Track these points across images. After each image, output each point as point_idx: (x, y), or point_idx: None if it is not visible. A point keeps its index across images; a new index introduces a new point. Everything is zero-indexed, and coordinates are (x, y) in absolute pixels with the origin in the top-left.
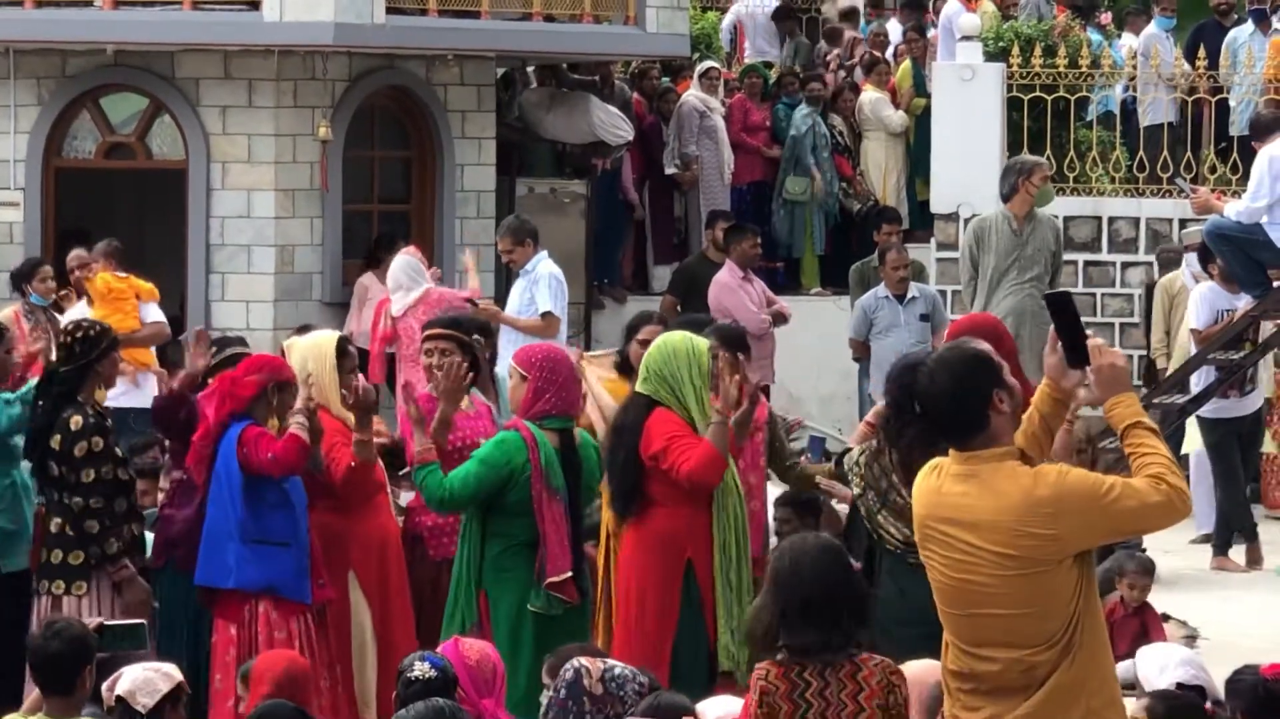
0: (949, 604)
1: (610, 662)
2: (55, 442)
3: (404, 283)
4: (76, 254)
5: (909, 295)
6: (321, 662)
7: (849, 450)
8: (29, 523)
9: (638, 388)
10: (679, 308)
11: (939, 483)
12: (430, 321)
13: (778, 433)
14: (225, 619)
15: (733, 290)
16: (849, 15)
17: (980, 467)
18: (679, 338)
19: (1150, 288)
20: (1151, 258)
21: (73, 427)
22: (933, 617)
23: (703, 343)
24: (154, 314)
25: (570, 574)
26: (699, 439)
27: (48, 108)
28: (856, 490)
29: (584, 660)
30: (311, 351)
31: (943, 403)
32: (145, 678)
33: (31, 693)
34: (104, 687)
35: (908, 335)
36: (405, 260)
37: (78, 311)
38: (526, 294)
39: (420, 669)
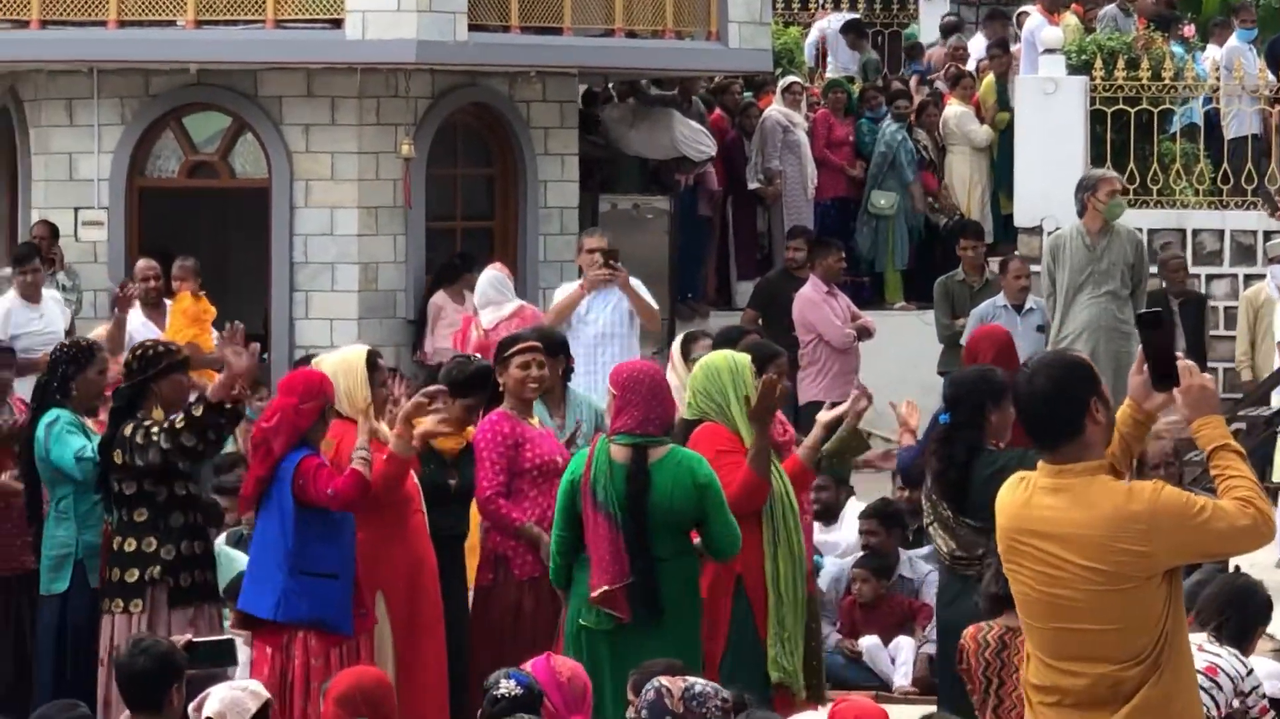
0: (1035, 617)
1: (691, 679)
2: (116, 456)
3: (494, 297)
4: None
5: (1027, 306)
6: None
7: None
8: None
9: (684, 414)
10: (760, 322)
11: (1027, 495)
12: (519, 335)
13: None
14: (262, 641)
15: (817, 305)
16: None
17: (1072, 480)
18: (719, 356)
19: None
20: (1237, 270)
21: (126, 433)
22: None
23: (744, 358)
24: (217, 337)
25: (611, 588)
26: (744, 460)
27: (131, 127)
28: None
29: (664, 680)
30: (342, 366)
31: (1039, 405)
32: (234, 698)
33: (123, 713)
34: (190, 708)
35: (1025, 345)
36: (493, 275)
37: (131, 318)
38: (609, 303)
39: (506, 687)
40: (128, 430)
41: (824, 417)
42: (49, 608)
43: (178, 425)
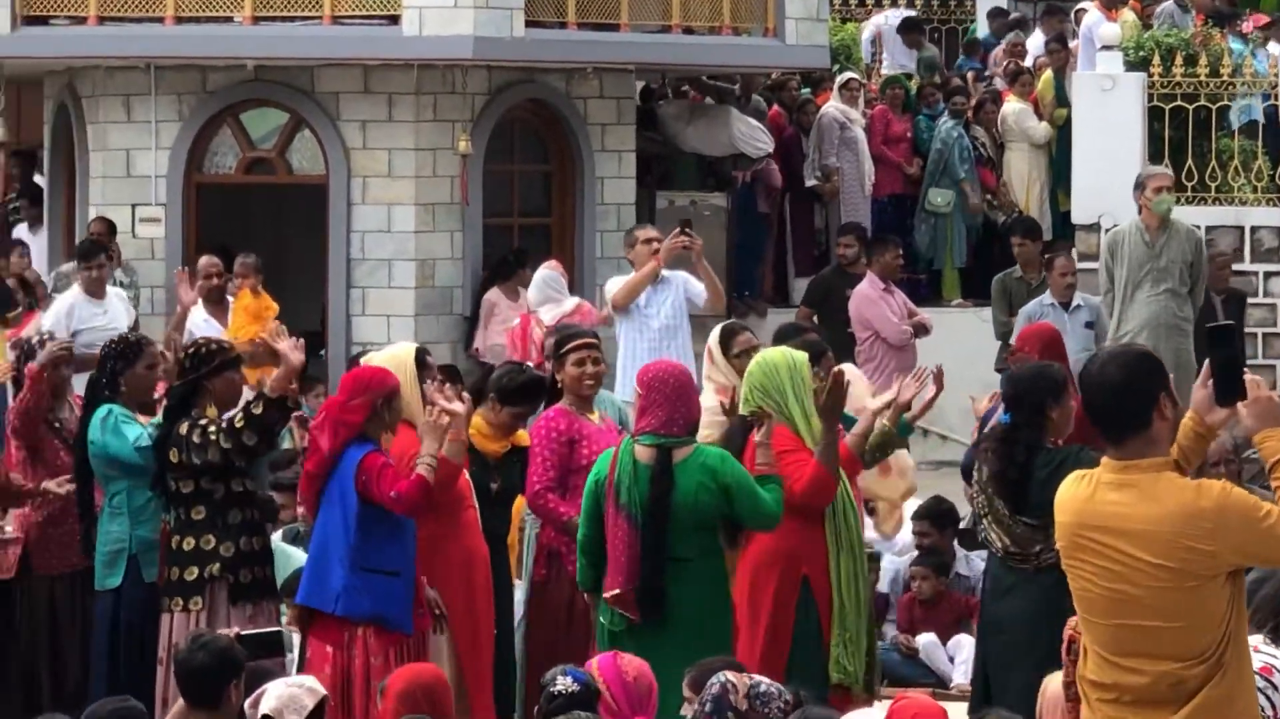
0: (1097, 613)
1: (756, 677)
2: (173, 455)
3: (552, 294)
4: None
5: (1074, 303)
6: None
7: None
8: None
9: (741, 410)
10: (814, 319)
11: (1091, 490)
12: (576, 331)
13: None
14: (321, 639)
15: (874, 302)
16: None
17: (1139, 476)
18: (777, 353)
19: None
20: None
21: (182, 431)
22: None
23: (801, 355)
24: None
25: (622, 591)
26: (809, 456)
27: (188, 123)
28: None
29: (730, 675)
30: (390, 364)
31: (1109, 396)
32: (290, 694)
33: (175, 705)
34: (247, 704)
35: (1073, 343)
36: (548, 274)
37: (194, 315)
38: (666, 296)
39: (563, 683)
40: (183, 429)
41: (874, 403)
42: (103, 603)
43: (238, 424)
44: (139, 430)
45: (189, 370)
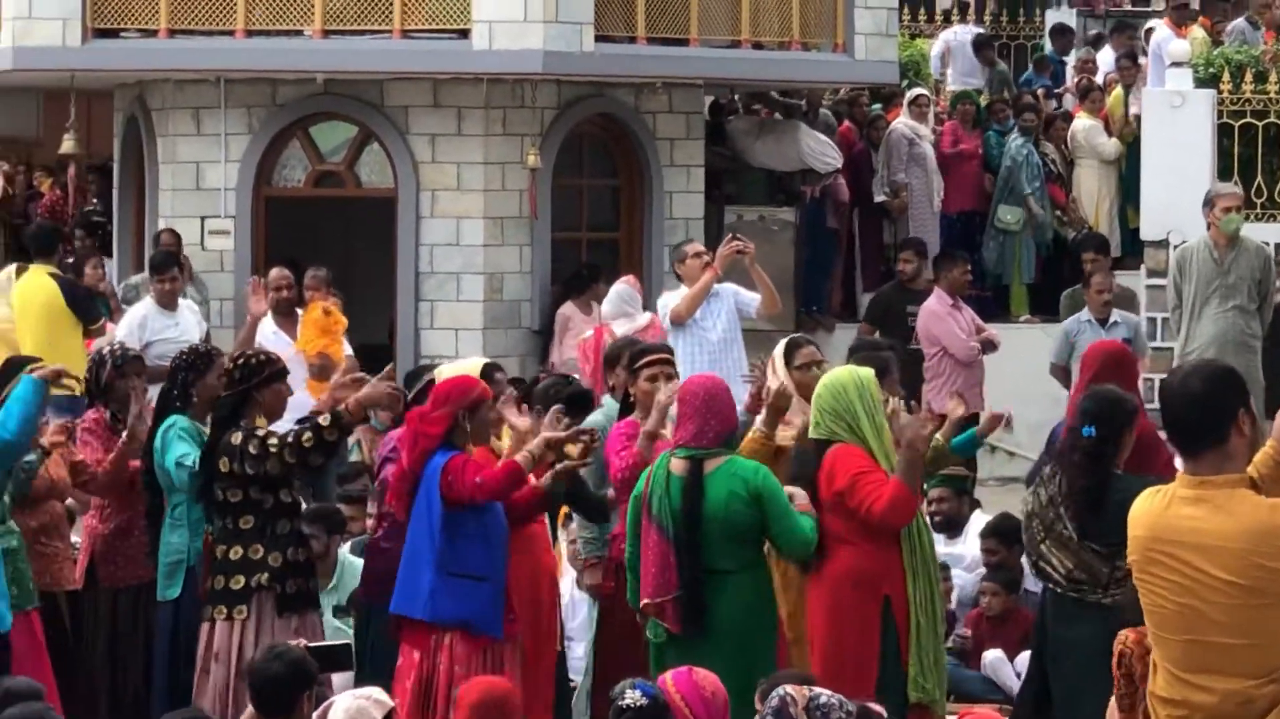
0: (1167, 629)
1: (817, 690)
2: (223, 464)
3: (626, 309)
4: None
5: (1111, 320)
6: None
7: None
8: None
9: (811, 434)
10: (876, 336)
11: (1165, 504)
12: (650, 347)
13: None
14: (410, 645)
15: (942, 318)
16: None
17: (1214, 492)
18: (844, 373)
19: None
20: None
21: (235, 441)
22: (1107, 651)
23: (867, 372)
24: (347, 348)
25: (653, 601)
26: (885, 475)
27: (258, 136)
28: (1024, 520)
29: (790, 689)
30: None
31: (1190, 408)
32: (359, 707)
33: (245, 715)
34: (315, 716)
35: None
36: (623, 289)
37: (263, 327)
38: (720, 308)
39: (632, 697)
40: (236, 439)
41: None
42: (164, 614)
43: (306, 442)
44: (186, 449)
45: (239, 381)
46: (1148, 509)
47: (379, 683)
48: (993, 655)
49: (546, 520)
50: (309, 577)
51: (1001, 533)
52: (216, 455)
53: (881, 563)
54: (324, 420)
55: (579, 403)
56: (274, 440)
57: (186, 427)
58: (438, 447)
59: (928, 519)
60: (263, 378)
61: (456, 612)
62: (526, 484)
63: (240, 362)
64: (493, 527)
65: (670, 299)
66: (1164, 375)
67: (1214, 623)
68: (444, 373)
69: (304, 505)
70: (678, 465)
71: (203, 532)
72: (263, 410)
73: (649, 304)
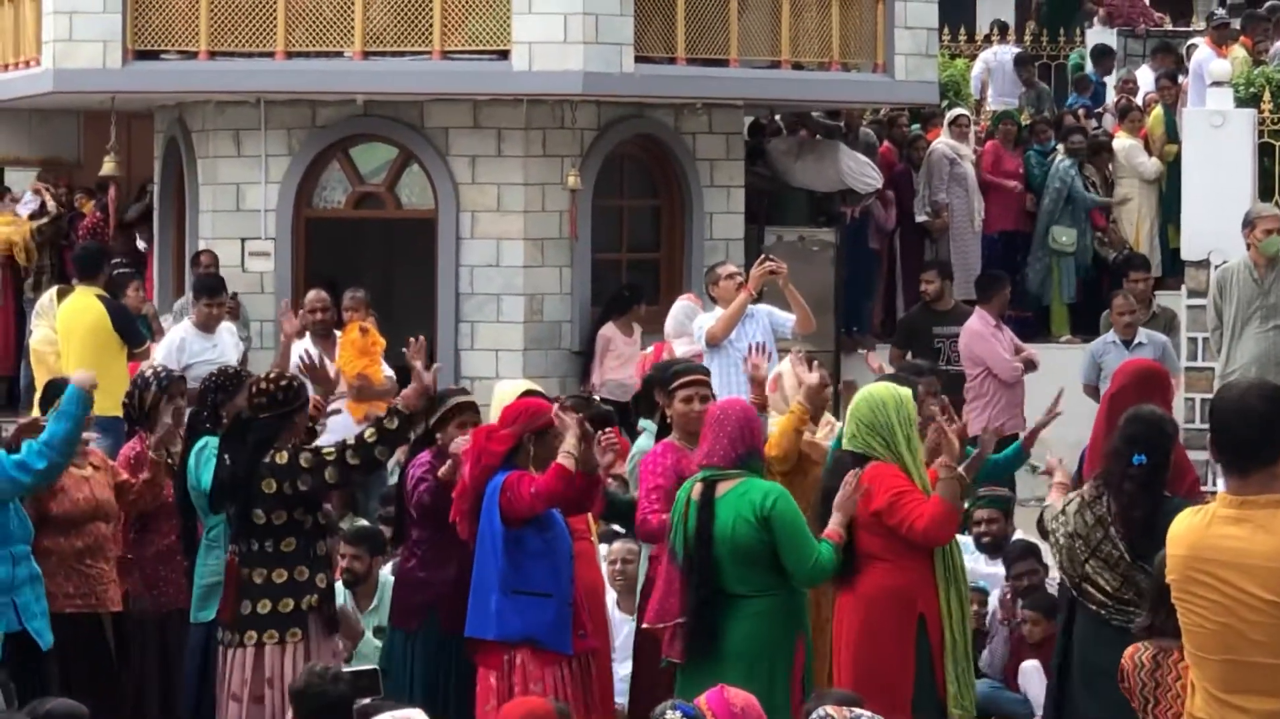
0: (1206, 649)
1: (858, 710)
2: (267, 485)
3: (688, 328)
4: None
5: (1136, 341)
6: (578, 713)
7: (1048, 507)
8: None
9: (845, 444)
10: (908, 358)
11: (1206, 523)
12: (686, 367)
13: None
14: (486, 668)
15: (985, 338)
16: (1102, 55)
17: (1257, 511)
18: (883, 389)
19: None
20: None
21: (280, 461)
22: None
23: (905, 391)
24: (386, 369)
25: (651, 625)
26: (923, 494)
27: (298, 158)
28: (1061, 541)
29: (830, 709)
30: (498, 400)
31: (1248, 427)
32: None
33: None
34: None
35: None
36: (687, 305)
37: (301, 349)
38: (754, 329)
39: (672, 717)
40: (282, 459)
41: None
42: (196, 636)
43: (369, 438)
44: None
45: (281, 404)
46: (1188, 528)
47: (436, 709)
48: (1029, 665)
49: (595, 539)
50: (335, 598)
51: (1040, 554)
52: (258, 477)
53: (917, 580)
54: (383, 414)
55: (600, 424)
56: (329, 450)
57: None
58: (500, 465)
59: (972, 539)
60: (301, 402)
61: (523, 628)
62: (578, 484)
63: (283, 384)
64: (556, 543)
65: (705, 320)
66: (1205, 395)
67: (1254, 643)
68: (498, 392)
69: (345, 525)
70: (696, 488)
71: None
72: (296, 434)
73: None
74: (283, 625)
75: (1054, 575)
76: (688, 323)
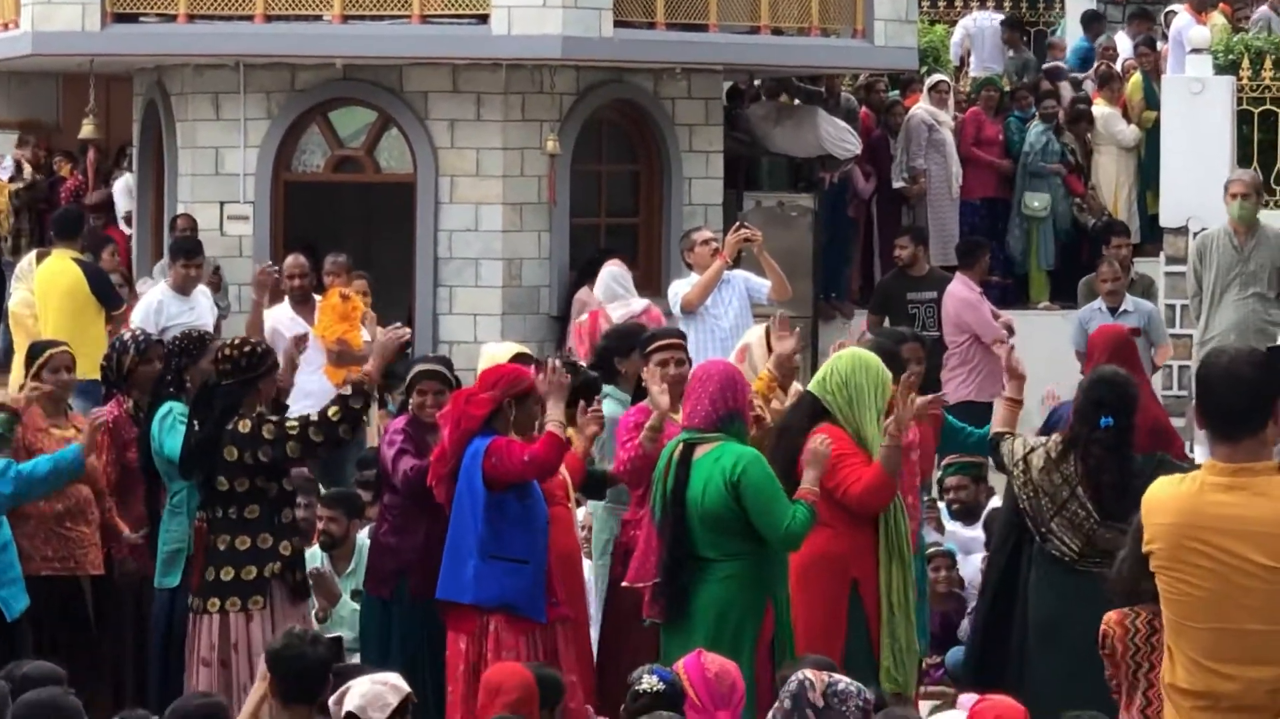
0: (1194, 618)
1: (836, 676)
2: (229, 453)
3: (619, 293)
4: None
5: (1121, 308)
6: None
7: (1005, 437)
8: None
9: (812, 387)
10: (884, 325)
11: (1197, 491)
12: (663, 331)
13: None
14: (457, 632)
15: (974, 306)
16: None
17: (1253, 479)
18: (872, 358)
19: None
20: None
21: (243, 429)
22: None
23: (889, 375)
24: (366, 334)
25: (630, 584)
26: (866, 460)
27: (277, 121)
28: (1026, 494)
29: (809, 673)
30: (488, 361)
31: (1240, 394)
32: (375, 692)
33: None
34: (331, 701)
35: None
36: (616, 271)
37: (279, 313)
38: (731, 295)
39: (649, 682)
40: (245, 427)
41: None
42: (159, 602)
43: (333, 416)
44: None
45: (245, 369)
46: (1175, 495)
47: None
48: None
49: (572, 504)
50: (303, 565)
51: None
52: (220, 444)
53: (852, 546)
54: (346, 391)
55: (588, 391)
56: (291, 423)
57: (184, 411)
58: (479, 429)
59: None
60: (266, 368)
61: (500, 594)
62: (566, 453)
63: (246, 350)
64: (534, 510)
65: (681, 287)
66: (1183, 362)
67: (1247, 609)
68: (485, 355)
69: (322, 490)
70: (677, 449)
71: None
72: (261, 400)
73: (664, 289)
74: (245, 593)
75: (995, 502)
76: (617, 287)
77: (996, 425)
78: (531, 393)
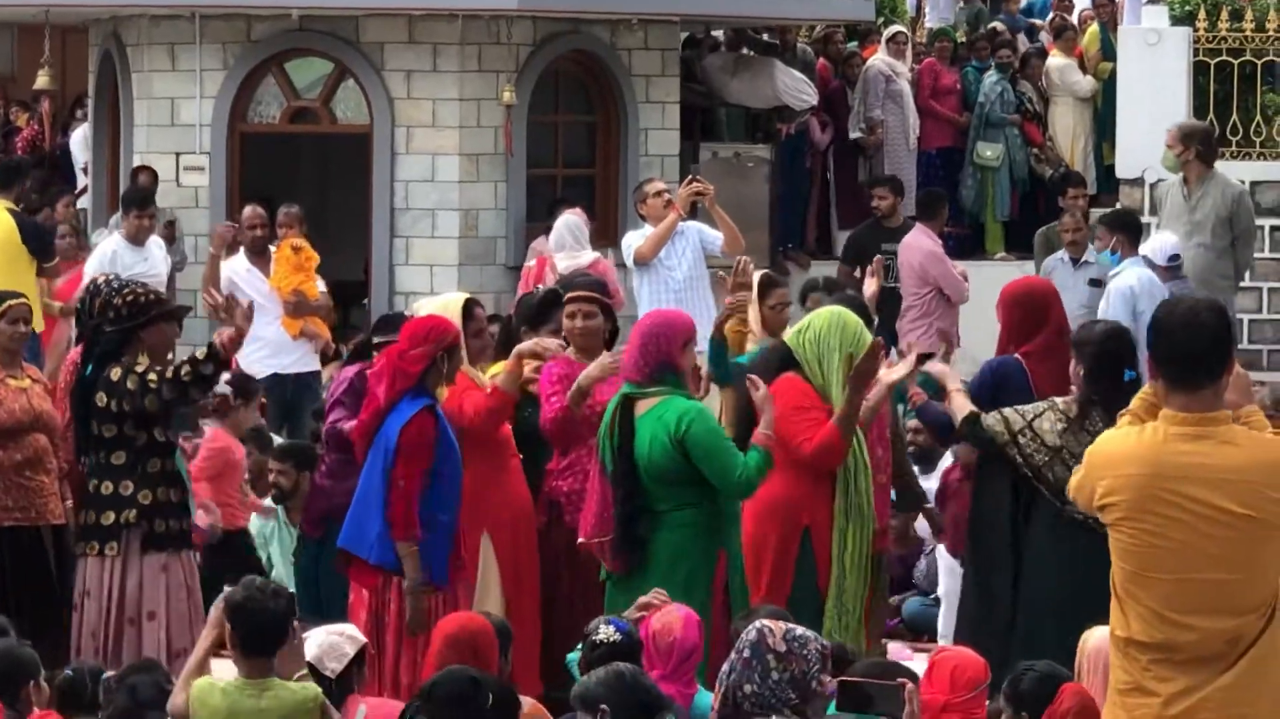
0: (1158, 569)
1: (793, 625)
2: (99, 399)
3: (569, 243)
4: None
5: (1083, 259)
6: None
7: (976, 416)
8: None
9: (787, 336)
10: (857, 276)
11: (1160, 440)
12: (574, 283)
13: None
14: (359, 583)
15: (940, 259)
16: None
17: (1215, 428)
18: (852, 319)
19: None
20: None
21: (114, 377)
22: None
23: (868, 337)
24: (320, 284)
25: (588, 540)
26: (823, 417)
27: (233, 72)
28: (1040, 461)
29: (766, 622)
30: (439, 312)
31: (1206, 343)
32: (331, 643)
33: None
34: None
35: (1072, 299)
36: (572, 220)
37: (236, 265)
38: (684, 247)
39: (605, 633)
40: (115, 374)
41: (890, 376)
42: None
43: (184, 377)
44: None
45: (126, 318)
46: (1137, 444)
47: (336, 618)
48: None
49: (519, 456)
50: (183, 517)
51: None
52: (94, 390)
53: (804, 492)
54: (200, 354)
55: (550, 305)
56: (152, 377)
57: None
58: (413, 387)
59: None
60: (149, 317)
61: (400, 560)
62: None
63: (129, 298)
64: (448, 476)
65: (634, 239)
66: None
67: (1211, 558)
68: (424, 308)
69: (275, 441)
70: (618, 405)
71: None
72: (145, 349)
73: (615, 242)
74: (102, 538)
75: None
76: (569, 238)
77: (962, 411)
78: (459, 344)
